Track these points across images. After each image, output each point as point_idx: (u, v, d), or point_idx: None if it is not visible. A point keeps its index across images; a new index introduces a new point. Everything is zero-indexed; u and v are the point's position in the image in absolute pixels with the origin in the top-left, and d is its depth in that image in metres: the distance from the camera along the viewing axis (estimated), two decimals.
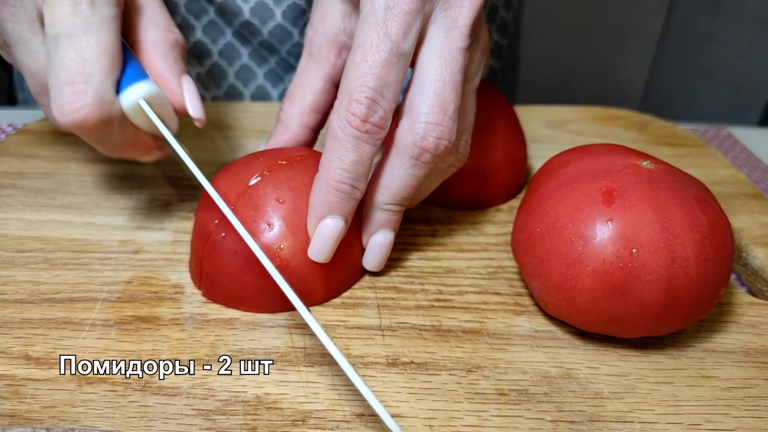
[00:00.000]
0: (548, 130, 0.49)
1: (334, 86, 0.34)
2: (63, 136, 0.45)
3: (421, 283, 0.33)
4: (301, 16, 0.52)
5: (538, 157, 0.45)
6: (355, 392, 0.27)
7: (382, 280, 0.34)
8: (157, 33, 0.32)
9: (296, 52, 0.54)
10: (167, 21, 0.33)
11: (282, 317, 0.31)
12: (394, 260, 0.35)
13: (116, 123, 0.30)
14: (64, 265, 0.33)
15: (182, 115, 0.33)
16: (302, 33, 0.52)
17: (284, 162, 0.32)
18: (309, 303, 0.31)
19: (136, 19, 0.32)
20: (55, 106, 0.28)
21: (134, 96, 0.30)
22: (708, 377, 0.29)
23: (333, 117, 0.29)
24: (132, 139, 0.32)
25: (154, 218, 0.37)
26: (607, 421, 0.27)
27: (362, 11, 0.29)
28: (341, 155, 0.29)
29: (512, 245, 0.32)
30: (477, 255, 0.36)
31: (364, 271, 0.34)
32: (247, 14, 0.51)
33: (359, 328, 0.31)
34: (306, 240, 0.30)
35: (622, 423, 0.27)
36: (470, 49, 0.30)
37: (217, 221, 0.31)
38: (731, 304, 0.33)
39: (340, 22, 0.33)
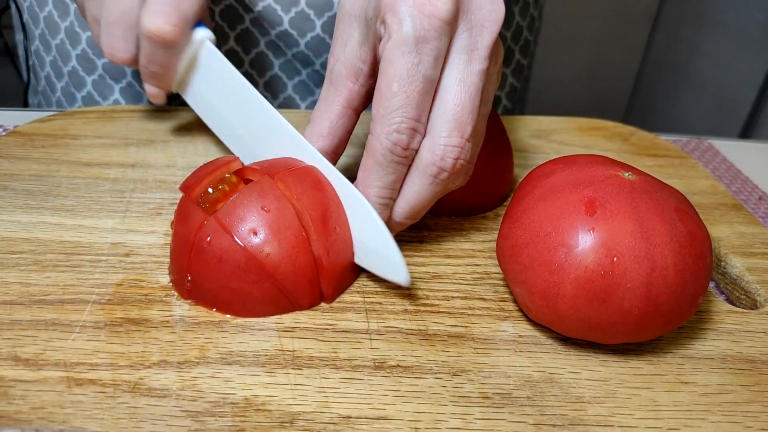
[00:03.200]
0: (534, 140, 0.50)
1: (352, 111, 0.35)
2: (54, 138, 0.45)
3: (408, 288, 0.34)
4: None
5: (523, 166, 0.46)
6: (343, 394, 0.28)
7: (370, 285, 0.34)
8: None
9: None
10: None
11: (271, 320, 0.31)
12: None
13: (176, 49, 0.40)
14: (55, 267, 0.33)
15: None
16: None
17: (272, 171, 0.33)
18: (297, 307, 0.32)
19: None
20: (149, 14, 0.38)
21: (206, 34, 0.41)
22: (686, 383, 0.30)
23: (374, 143, 0.31)
24: (169, 75, 0.41)
25: (145, 221, 0.38)
26: (588, 425, 0.27)
27: (391, 36, 0.30)
28: (382, 177, 0.31)
29: (497, 252, 0.33)
30: (463, 261, 0.36)
31: (354, 278, 0.35)
32: (286, 24, 0.51)
33: (347, 331, 0.31)
34: (292, 247, 0.31)
35: (603, 427, 0.27)
36: (488, 71, 0.31)
37: (203, 224, 0.31)
38: (710, 312, 0.34)
39: (358, 50, 0.33)
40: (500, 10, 0.31)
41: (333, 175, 0.34)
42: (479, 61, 0.31)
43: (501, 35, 0.58)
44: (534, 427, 0.27)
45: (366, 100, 0.35)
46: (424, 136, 0.31)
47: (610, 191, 0.29)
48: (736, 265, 0.37)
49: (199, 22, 0.41)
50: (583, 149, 0.49)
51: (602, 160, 0.32)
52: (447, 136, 0.31)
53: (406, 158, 0.31)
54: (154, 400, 0.27)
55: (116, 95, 0.56)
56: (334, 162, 0.36)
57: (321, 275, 0.32)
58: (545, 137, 0.51)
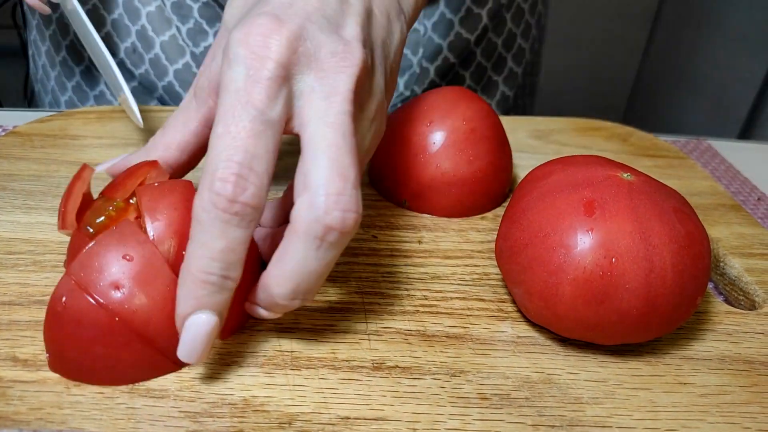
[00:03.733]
0: (533, 140, 0.50)
1: (208, 130, 0.30)
2: (53, 138, 0.45)
3: (407, 289, 0.34)
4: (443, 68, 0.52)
5: (522, 167, 0.46)
6: (342, 395, 0.28)
7: (368, 286, 0.34)
8: None
9: None
10: None
11: (270, 321, 0.31)
12: (380, 266, 0.35)
13: None
14: (53, 268, 0.33)
15: None
16: None
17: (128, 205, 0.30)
18: (177, 366, 0.28)
19: None
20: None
21: None
22: (684, 384, 0.30)
23: (195, 200, 0.25)
24: None
25: None
26: (587, 426, 0.27)
27: (222, 81, 0.26)
28: (207, 242, 0.25)
29: (496, 253, 0.33)
30: (462, 262, 0.36)
31: (247, 318, 0.31)
32: None
33: (346, 332, 0.31)
34: (162, 298, 0.27)
35: (601, 428, 0.27)
36: (355, 116, 0.27)
37: (60, 285, 0.27)
38: (708, 313, 0.34)
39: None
40: (356, 55, 0.28)
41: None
42: (341, 103, 0.27)
43: (492, 42, 0.58)
44: (532, 428, 0.27)
45: None
46: (298, 195, 0.26)
47: (608, 192, 0.29)
48: (735, 265, 0.37)
49: None
50: (582, 150, 0.49)
51: (601, 161, 0.32)
52: (326, 184, 0.25)
53: (238, 216, 0.25)
54: (153, 400, 0.27)
55: (101, 86, 0.58)
56: (179, 176, 0.33)
57: None
58: (544, 138, 0.51)
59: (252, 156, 0.25)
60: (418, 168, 0.39)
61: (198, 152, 0.33)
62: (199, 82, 0.32)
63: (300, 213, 0.26)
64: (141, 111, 0.45)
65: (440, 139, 0.39)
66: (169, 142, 0.32)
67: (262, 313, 0.29)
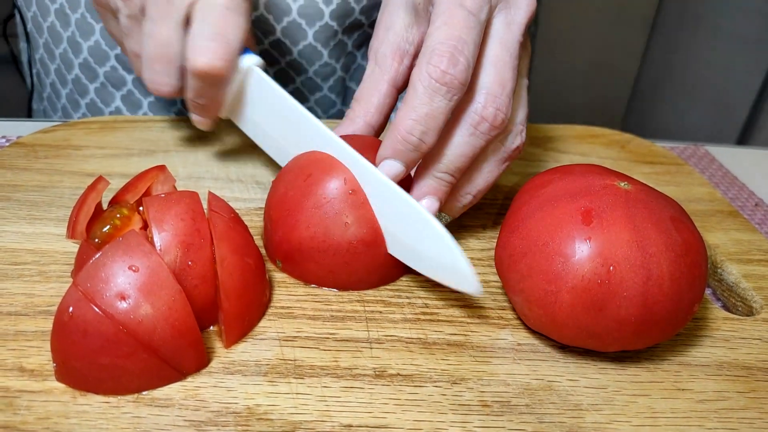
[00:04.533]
0: (531, 147, 0.51)
1: (396, 91, 0.36)
2: (56, 149, 0.45)
3: (408, 297, 0.34)
4: (333, 37, 0.53)
5: (521, 174, 0.47)
6: (344, 403, 0.28)
7: (369, 294, 0.34)
8: None
9: (323, 72, 0.55)
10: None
11: (272, 330, 0.32)
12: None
13: (225, 82, 0.39)
14: (59, 278, 0.34)
15: None
16: (331, 54, 0.54)
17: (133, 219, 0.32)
18: (183, 374, 0.29)
19: None
20: (195, 51, 0.36)
21: (253, 61, 0.39)
22: (683, 390, 0.30)
23: (414, 72, 0.31)
24: (217, 102, 0.40)
25: None
26: None
27: (440, 4, 0.32)
28: (416, 107, 0.31)
29: (495, 261, 0.33)
30: None
31: (251, 328, 0.32)
32: (278, 33, 0.52)
33: (348, 340, 0.31)
34: (168, 308, 0.27)
35: None
36: (523, 46, 0.33)
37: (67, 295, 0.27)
38: (706, 319, 0.34)
39: (403, 33, 0.36)
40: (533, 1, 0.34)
41: (387, 186, 0.32)
42: (517, 32, 0.33)
43: None
44: None
45: (407, 81, 0.36)
46: (465, 91, 0.32)
47: (606, 201, 0.29)
48: (733, 272, 0.38)
49: (245, 49, 0.39)
50: (580, 157, 0.50)
51: (598, 170, 0.32)
52: (488, 87, 0.32)
53: (446, 86, 0.30)
54: (158, 409, 0.27)
55: (118, 102, 0.57)
56: (376, 137, 0.37)
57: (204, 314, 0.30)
58: (542, 145, 0.51)
59: (464, 42, 0.31)
60: (287, 228, 0.34)
61: (389, 112, 0.37)
62: (380, 51, 0.36)
63: (464, 104, 0.32)
64: (128, 122, 0.45)
65: (315, 197, 0.33)
66: (368, 108, 0.36)
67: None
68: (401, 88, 0.36)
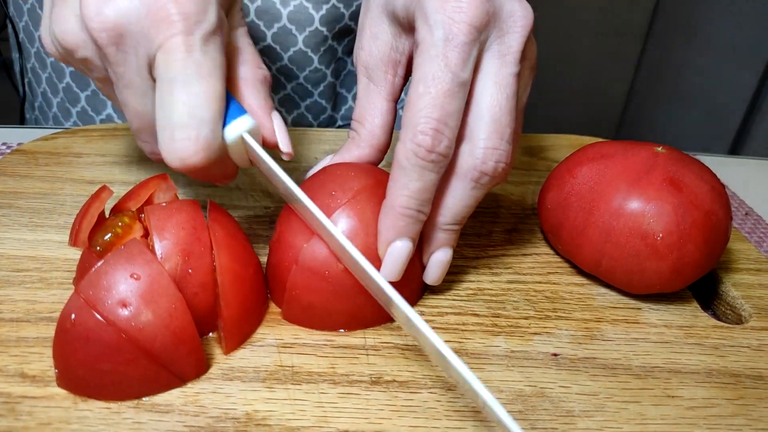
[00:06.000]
0: (525, 156, 0.51)
1: (395, 103, 0.36)
2: (57, 156, 0.46)
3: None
4: (323, 42, 0.54)
5: (516, 183, 0.47)
6: (341, 409, 0.29)
7: None
8: (248, 70, 0.34)
9: (313, 78, 0.56)
10: (257, 58, 0.35)
11: (271, 336, 0.32)
12: None
13: (220, 160, 0.31)
14: (60, 285, 0.34)
15: (271, 148, 0.34)
16: (321, 59, 0.54)
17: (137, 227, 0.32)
18: (182, 380, 0.29)
19: (230, 58, 0.34)
20: (166, 149, 0.29)
21: (238, 130, 0.31)
22: (673, 397, 0.31)
23: (399, 148, 0.30)
24: (227, 170, 0.33)
25: None
26: None
27: (421, 43, 0.30)
28: (407, 184, 0.30)
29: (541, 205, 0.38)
30: (456, 277, 0.37)
31: (249, 335, 0.32)
32: (269, 39, 0.53)
33: (344, 347, 0.32)
34: (168, 315, 0.28)
35: None
36: (520, 73, 0.32)
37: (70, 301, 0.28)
38: (696, 327, 0.35)
39: (391, 41, 0.35)
40: (530, 15, 0.32)
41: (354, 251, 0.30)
42: (511, 64, 0.31)
43: None
44: None
45: (401, 91, 0.36)
46: (461, 141, 0.31)
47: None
48: (722, 280, 0.39)
49: (235, 107, 0.32)
50: None
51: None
52: (486, 139, 0.31)
53: (433, 163, 0.30)
54: (158, 415, 0.28)
55: (109, 110, 0.58)
56: (382, 157, 0.36)
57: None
58: (536, 154, 0.52)
59: (447, 114, 0.30)
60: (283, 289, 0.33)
61: (393, 126, 0.36)
62: (370, 64, 0.35)
63: (462, 158, 0.31)
64: (128, 129, 0.45)
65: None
66: (372, 130, 0.35)
67: (438, 257, 0.34)
68: (398, 98, 0.36)
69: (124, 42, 0.29)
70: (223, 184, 0.41)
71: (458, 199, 0.32)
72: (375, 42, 0.35)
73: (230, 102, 0.31)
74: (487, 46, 0.31)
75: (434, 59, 0.30)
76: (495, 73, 0.31)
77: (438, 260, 0.34)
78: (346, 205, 0.32)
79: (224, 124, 0.31)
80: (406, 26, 0.33)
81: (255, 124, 0.32)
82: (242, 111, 0.32)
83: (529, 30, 0.32)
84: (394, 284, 0.29)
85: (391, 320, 0.33)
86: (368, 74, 0.35)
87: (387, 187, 0.31)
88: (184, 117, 0.28)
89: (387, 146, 0.36)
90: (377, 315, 0.33)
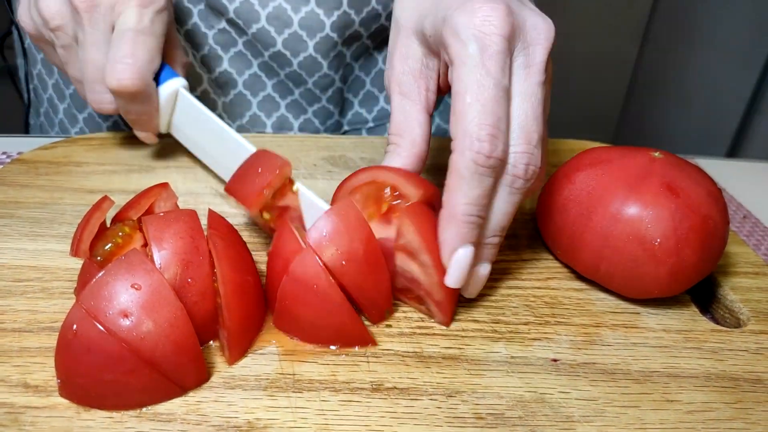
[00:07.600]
0: None
1: (430, 116, 0.37)
2: (57, 165, 0.46)
3: (404, 311, 0.35)
4: (332, 48, 0.54)
5: None
6: (342, 417, 0.29)
7: None
8: (178, 54, 0.47)
9: (323, 83, 0.56)
10: (183, 49, 0.48)
11: (272, 345, 0.32)
12: None
13: (144, 98, 0.43)
14: (62, 294, 0.34)
15: None
16: (330, 65, 0.55)
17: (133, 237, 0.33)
18: (183, 389, 0.30)
19: (168, 41, 0.45)
20: (109, 72, 0.41)
21: (175, 85, 0.44)
22: (672, 401, 0.31)
23: (455, 158, 0.31)
24: (152, 115, 0.45)
25: None
26: None
27: (456, 58, 0.32)
28: (467, 192, 0.31)
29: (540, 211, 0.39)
30: None
31: (251, 345, 0.33)
32: (279, 45, 0.53)
33: (345, 354, 0.32)
34: (169, 325, 0.28)
35: None
36: (544, 83, 0.33)
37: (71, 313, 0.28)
38: (694, 331, 0.35)
39: (422, 59, 0.36)
40: (551, 29, 0.33)
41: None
42: (537, 74, 0.32)
43: None
44: None
45: (434, 106, 0.37)
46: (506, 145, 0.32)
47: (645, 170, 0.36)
48: (720, 284, 0.39)
49: (170, 71, 0.45)
50: None
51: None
52: (515, 144, 0.32)
53: (491, 168, 0.31)
54: (160, 424, 0.28)
55: (115, 116, 0.58)
56: (422, 168, 0.37)
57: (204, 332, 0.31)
58: None
59: (499, 119, 0.31)
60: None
61: (430, 137, 0.37)
62: (404, 81, 0.37)
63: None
64: (127, 138, 0.46)
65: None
66: (413, 140, 0.36)
67: (479, 272, 0.34)
68: (432, 112, 0.37)
69: (96, 10, 0.41)
70: (146, 140, 0.47)
71: (497, 207, 0.33)
72: (407, 61, 0.36)
73: (166, 67, 0.45)
74: (514, 57, 0.32)
75: (475, 69, 0.31)
76: (521, 84, 0.32)
77: (480, 275, 0.34)
78: (332, 210, 0.32)
79: (163, 80, 0.44)
80: (434, 47, 0.35)
81: (186, 83, 0.45)
82: (176, 74, 0.45)
83: (551, 42, 0.33)
84: (367, 289, 0.32)
85: (375, 343, 0.33)
86: (401, 90, 0.37)
87: (443, 198, 0.32)
88: (128, 50, 0.41)
89: (427, 155, 0.37)
90: (362, 337, 0.32)
